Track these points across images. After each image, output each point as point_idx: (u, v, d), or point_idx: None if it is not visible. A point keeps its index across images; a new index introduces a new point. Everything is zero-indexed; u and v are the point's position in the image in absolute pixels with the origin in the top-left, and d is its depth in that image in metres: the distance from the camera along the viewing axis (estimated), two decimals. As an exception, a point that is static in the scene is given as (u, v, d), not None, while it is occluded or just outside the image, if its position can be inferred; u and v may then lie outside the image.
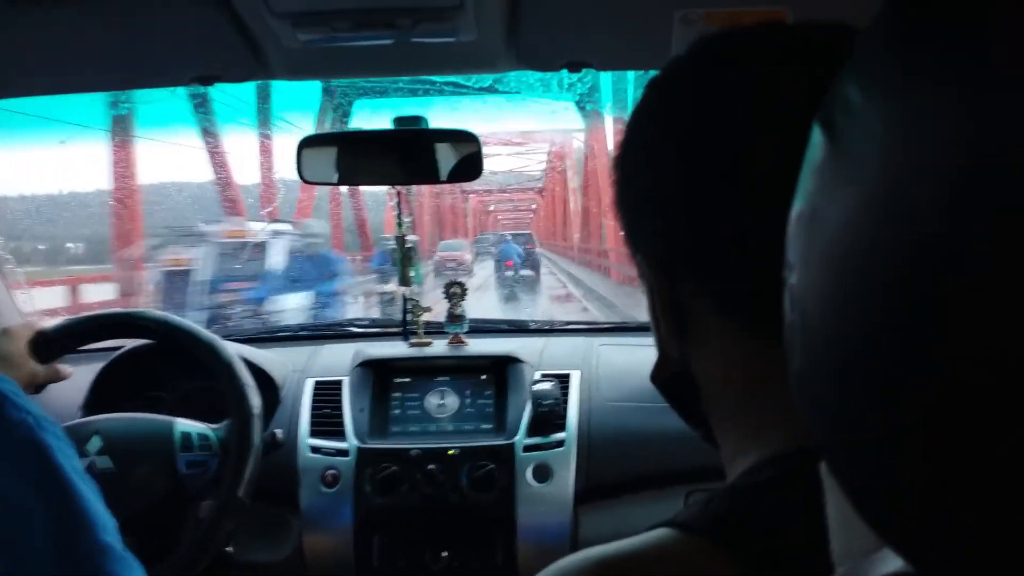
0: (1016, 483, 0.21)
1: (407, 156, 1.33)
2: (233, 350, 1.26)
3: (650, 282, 0.51)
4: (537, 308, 15.38)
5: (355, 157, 1.32)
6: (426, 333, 1.64)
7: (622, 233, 0.53)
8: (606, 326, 2.05)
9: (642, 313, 0.55)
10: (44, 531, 0.68)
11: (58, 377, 1.23)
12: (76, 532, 0.69)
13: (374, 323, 2.00)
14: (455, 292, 1.64)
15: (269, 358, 1.55)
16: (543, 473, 1.38)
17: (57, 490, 0.69)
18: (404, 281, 1.61)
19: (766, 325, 0.43)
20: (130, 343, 1.54)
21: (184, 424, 1.22)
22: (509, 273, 17.91)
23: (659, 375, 0.54)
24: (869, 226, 0.23)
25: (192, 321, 1.30)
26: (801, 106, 0.40)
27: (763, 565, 0.39)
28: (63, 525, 0.69)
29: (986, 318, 0.20)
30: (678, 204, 0.47)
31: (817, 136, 0.27)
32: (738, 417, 0.48)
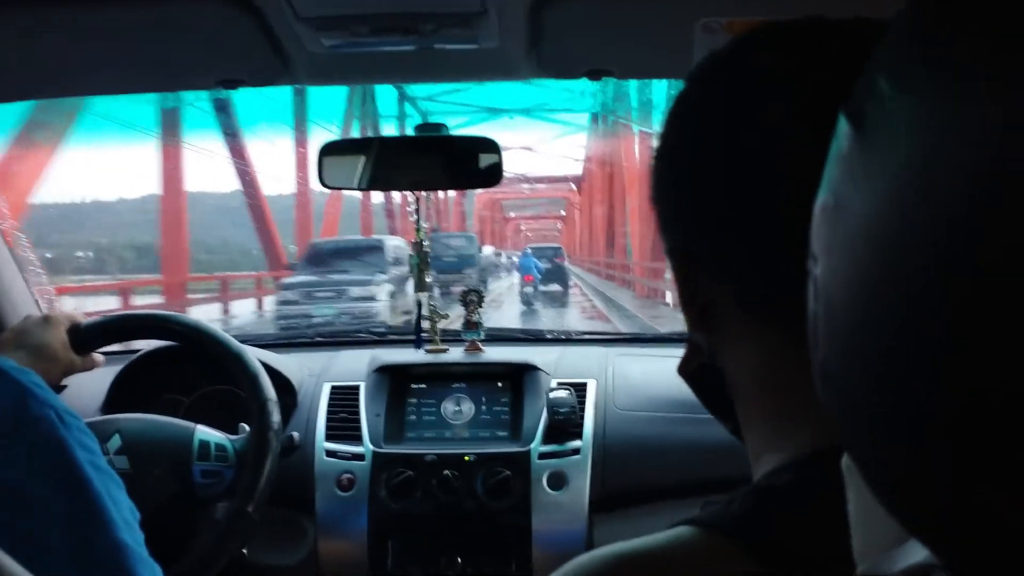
0: None
1: (428, 162, 1.34)
2: (256, 359, 1.27)
3: (676, 268, 0.51)
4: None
5: (376, 163, 1.33)
6: (442, 340, 1.64)
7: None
8: (623, 336, 2.05)
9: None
10: (61, 529, 0.68)
11: (93, 366, 1.25)
12: (94, 530, 0.69)
13: (390, 330, 2.01)
14: (472, 299, 1.64)
15: (287, 362, 1.55)
16: (558, 481, 1.38)
17: (76, 488, 0.69)
18: (420, 287, 1.62)
19: (788, 321, 0.43)
20: (149, 345, 1.55)
21: (203, 432, 1.22)
22: (528, 289, 17.82)
23: (685, 366, 0.54)
24: (895, 217, 0.23)
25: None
26: (831, 105, 0.41)
27: (785, 564, 0.39)
28: (81, 523, 0.69)
29: (1016, 310, 0.20)
30: (701, 198, 0.48)
31: (843, 126, 0.27)
32: (762, 413, 0.48)
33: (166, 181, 11.74)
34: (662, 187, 0.52)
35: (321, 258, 12.16)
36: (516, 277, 23.72)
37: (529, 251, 20.74)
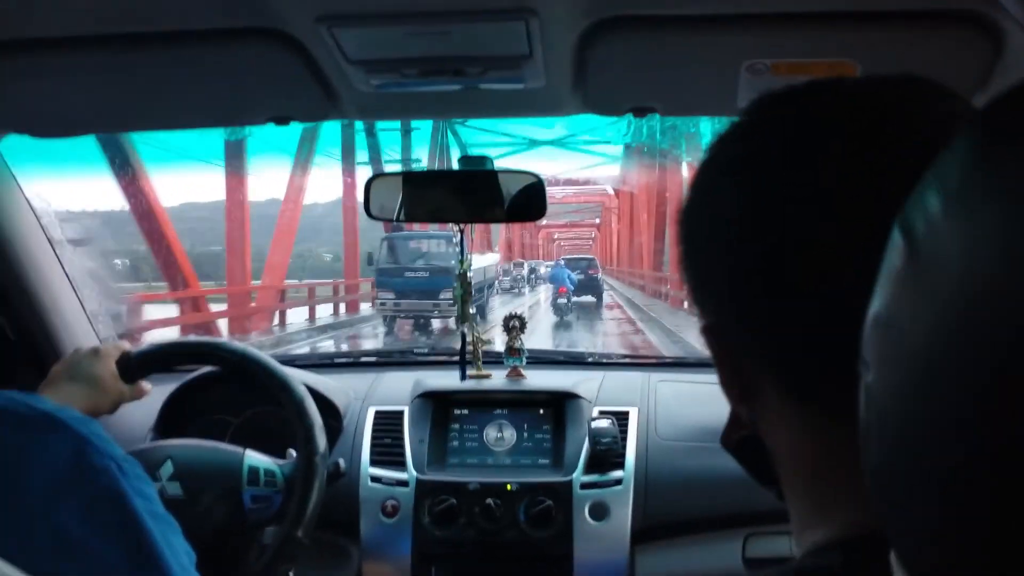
0: None
1: (472, 195, 1.35)
2: (302, 384, 1.29)
3: (712, 347, 0.50)
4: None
5: (421, 195, 1.35)
6: (484, 363, 1.65)
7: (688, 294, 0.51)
8: (665, 360, 2.04)
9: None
10: None
11: (142, 394, 1.27)
12: None
13: (433, 351, 2.03)
14: (514, 326, 1.65)
15: (332, 386, 1.58)
16: (600, 511, 1.38)
17: (134, 539, 0.70)
18: (464, 316, 1.64)
19: (830, 405, 0.42)
20: (199, 369, 1.58)
21: (253, 457, 1.24)
22: (562, 300, 17.86)
23: (728, 438, 0.53)
24: (948, 339, 0.24)
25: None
26: (871, 180, 0.40)
27: None
28: (140, 574, 0.70)
29: None
30: (738, 276, 0.45)
31: (896, 239, 0.27)
32: (805, 489, 0.47)
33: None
34: (694, 257, 0.49)
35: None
36: (542, 294, 23.07)
37: (562, 262, 20.87)
